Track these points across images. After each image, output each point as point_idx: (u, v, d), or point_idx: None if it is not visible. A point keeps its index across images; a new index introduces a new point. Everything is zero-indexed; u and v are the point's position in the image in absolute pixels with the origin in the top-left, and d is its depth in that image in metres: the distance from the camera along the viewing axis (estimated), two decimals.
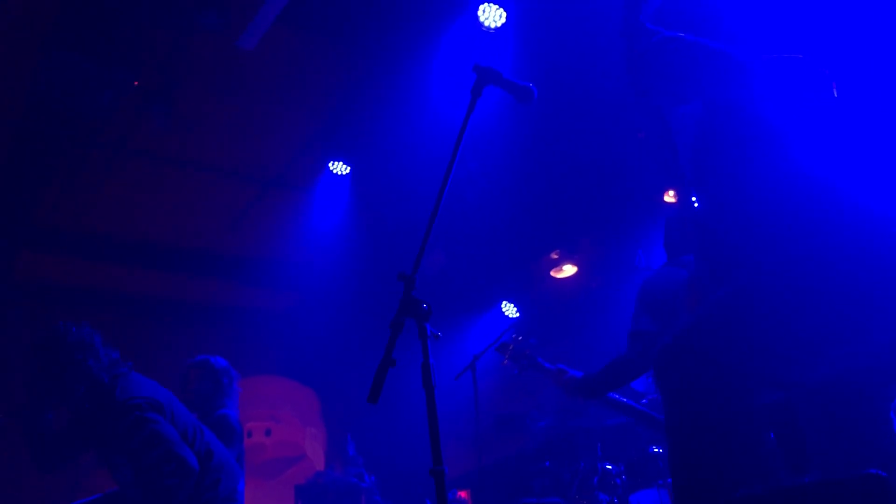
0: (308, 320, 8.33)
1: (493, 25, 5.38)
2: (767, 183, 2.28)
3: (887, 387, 2.31)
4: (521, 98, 2.52)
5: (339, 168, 6.90)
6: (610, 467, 5.62)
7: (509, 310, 8.16)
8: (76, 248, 7.80)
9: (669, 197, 7.03)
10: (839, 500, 1.29)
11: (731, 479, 2.05)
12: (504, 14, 5.35)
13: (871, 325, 2.17)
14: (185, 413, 3.89)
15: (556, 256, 8.33)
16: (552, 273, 8.40)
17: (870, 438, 2.26)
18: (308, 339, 8.38)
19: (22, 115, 6.10)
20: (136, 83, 5.61)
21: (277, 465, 8.68)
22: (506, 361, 4.01)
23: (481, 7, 5.32)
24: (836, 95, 2.45)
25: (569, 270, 8.35)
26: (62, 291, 8.24)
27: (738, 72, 2.39)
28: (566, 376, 3.78)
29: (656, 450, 5.36)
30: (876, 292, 2.14)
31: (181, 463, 3.55)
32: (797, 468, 2.44)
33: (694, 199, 3.31)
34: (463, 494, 7.16)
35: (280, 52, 5.85)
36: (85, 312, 8.30)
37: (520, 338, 4.06)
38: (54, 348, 3.63)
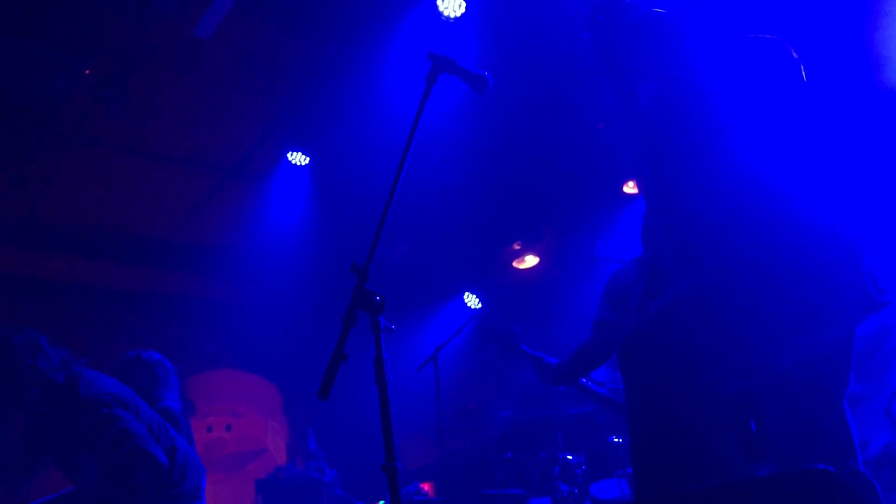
0: (269, 313, 8.24)
1: (452, 15, 5.34)
2: (723, 175, 2.28)
3: (842, 378, 2.34)
4: (476, 87, 2.50)
5: (298, 158, 6.83)
6: (570, 457, 5.65)
7: (472, 301, 8.16)
8: (26, 237, 7.62)
9: (629, 188, 7.07)
10: (790, 494, 1.29)
11: (691, 468, 2.06)
12: (463, 3, 5.31)
13: (831, 316, 2.20)
14: (148, 409, 3.82)
15: (517, 247, 8.34)
16: (514, 264, 8.42)
17: (825, 428, 2.30)
18: (269, 332, 8.29)
19: None
20: (87, 71, 5.48)
21: (238, 459, 8.60)
22: (490, 346, 4.13)
23: None
24: (804, 79, 2.45)
25: (531, 261, 8.38)
26: (10, 281, 8.05)
27: (690, 48, 2.39)
28: (543, 363, 3.91)
29: (616, 440, 5.40)
30: (835, 280, 2.17)
31: (151, 459, 3.49)
32: (754, 457, 2.47)
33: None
34: (426, 486, 7.15)
35: (237, 41, 5.75)
36: (34, 303, 8.19)
37: (502, 322, 4.21)
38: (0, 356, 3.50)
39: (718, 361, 2.21)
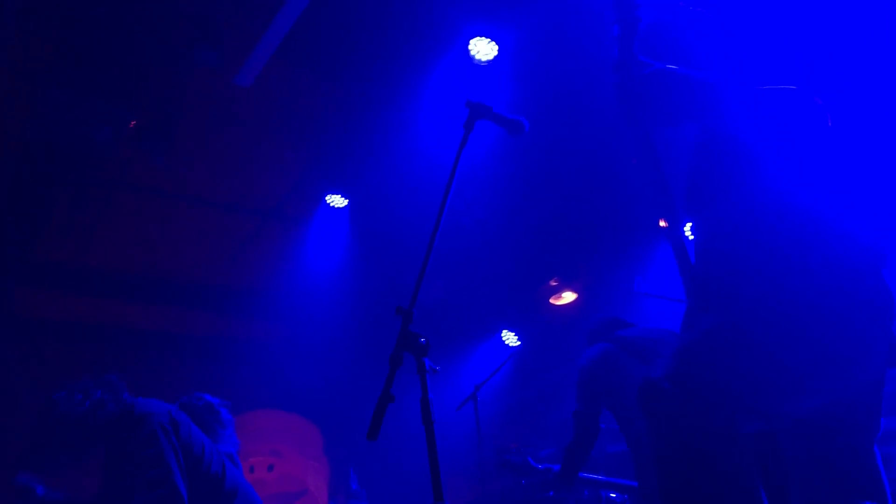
0: (309, 354, 8.32)
1: (484, 59, 5.44)
2: (752, 213, 2.30)
3: (870, 422, 2.31)
4: (512, 131, 2.56)
5: (337, 201, 6.94)
6: (614, 496, 5.58)
7: (510, 338, 8.16)
8: (74, 283, 7.81)
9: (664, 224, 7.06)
10: None
11: None
12: (496, 47, 5.41)
13: (856, 359, 2.18)
14: (198, 432, 3.89)
15: (555, 283, 8.34)
16: (551, 300, 8.41)
17: (852, 472, 2.26)
18: (309, 373, 8.36)
19: (19, 153, 6.13)
20: (132, 123, 5.66)
21: (281, 500, 8.61)
22: (512, 477, 4.52)
23: (472, 41, 5.39)
24: (830, 125, 2.47)
25: (568, 297, 8.36)
26: (60, 327, 8.24)
27: (720, 102, 2.42)
28: (549, 475, 4.36)
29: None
30: (861, 327, 2.15)
31: (173, 491, 3.52)
32: (778, 500, 2.44)
33: (689, 226, 3.35)
34: None
35: (276, 88, 5.90)
36: (80, 347, 8.34)
37: (515, 449, 4.60)
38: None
39: (741, 402, 2.20)
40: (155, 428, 3.56)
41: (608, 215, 7.26)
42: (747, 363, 2.16)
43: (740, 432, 2.15)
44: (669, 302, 6.10)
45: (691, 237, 2.58)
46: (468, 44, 5.41)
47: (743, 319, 2.20)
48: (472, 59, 5.44)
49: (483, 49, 5.41)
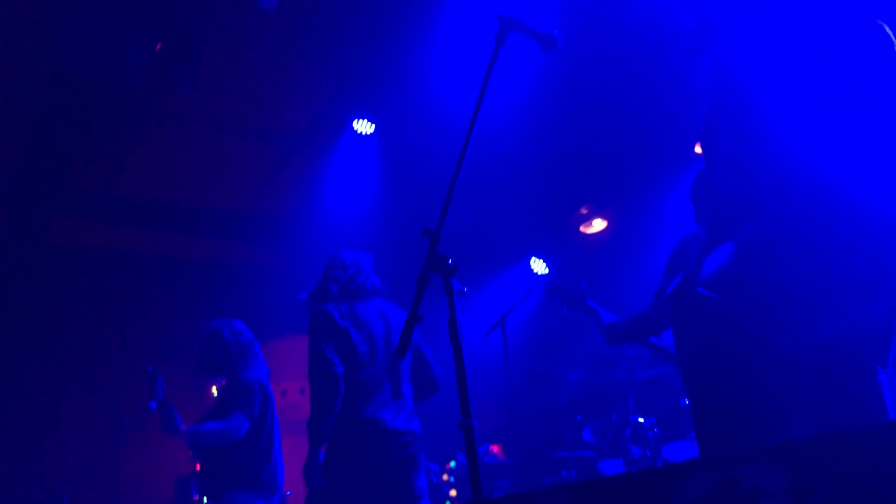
0: None
1: None
2: (795, 139, 2.26)
3: (882, 352, 2.33)
4: (544, 46, 2.48)
5: (364, 126, 6.87)
6: (642, 420, 5.62)
7: (538, 266, 8.12)
8: (101, 211, 7.88)
9: (700, 148, 6.91)
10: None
11: (749, 423, 2.06)
12: None
13: (881, 288, 2.18)
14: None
15: (585, 211, 8.25)
16: (582, 228, 8.34)
17: (858, 399, 2.29)
18: None
19: (47, 82, 6.12)
20: (157, 46, 5.60)
21: None
22: (556, 302, 4.22)
23: None
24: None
25: (598, 225, 8.28)
26: (86, 255, 8.36)
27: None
28: (599, 319, 3.98)
29: (688, 402, 5.34)
30: (885, 258, 2.15)
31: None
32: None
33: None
34: (495, 448, 7.21)
35: (301, 10, 5.78)
36: (110, 276, 8.47)
37: (570, 279, 4.30)
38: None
39: (769, 319, 2.20)
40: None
41: (639, 143, 7.12)
42: (779, 279, 2.16)
43: (770, 349, 2.15)
44: None
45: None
46: None
47: (774, 238, 2.19)
48: None
49: None
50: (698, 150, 7.00)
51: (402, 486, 3.73)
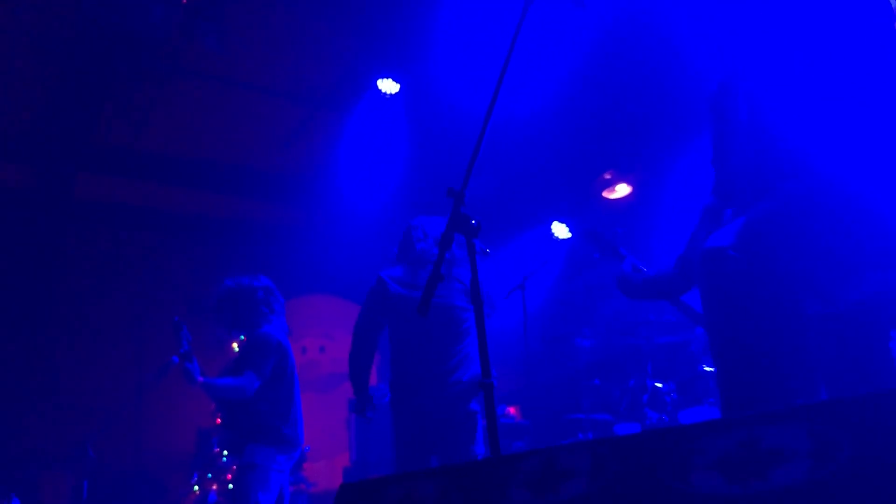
0: (361, 240, 8.40)
1: None
2: (820, 109, 2.25)
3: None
4: (575, 2, 2.44)
5: (389, 86, 6.83)
6: (660, 385, 5.63)
7: (560, 230, 8.09)
8: (130, 168, 7.94)
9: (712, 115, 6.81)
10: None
11: (774, 386, 2.07)
12: None
13: None
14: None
15: (608, 176, 8.19)
16: (605, 193, 8.28)
17: (870, 365, 2.29)
18: (360, 258, 8.46)
19: (73, 37, 6.13)
20: (183, 1, 5.59)
21: (332, 380, 8.93)
22: (590, 247, 4.17)
23: None
24: None
25: (622, 190, 8.22)
26: (110, 209, 8.43)
27: None
28: (633, 271, 3.87)
29: (707, 368, 5.34)
30: None
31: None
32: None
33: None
34: (512, 410, 7.27)
35: None
36: (133, 231, 8.56)
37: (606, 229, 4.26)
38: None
39: (799, 281, 2.22)
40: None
41: (664, 107, 7.03)
42: (806, 245, 2.16)
43: (799, 311, 2.16)
44: None
45: None
46: None
47: (804, 204, 2.22)
48: None
49: None
50: None
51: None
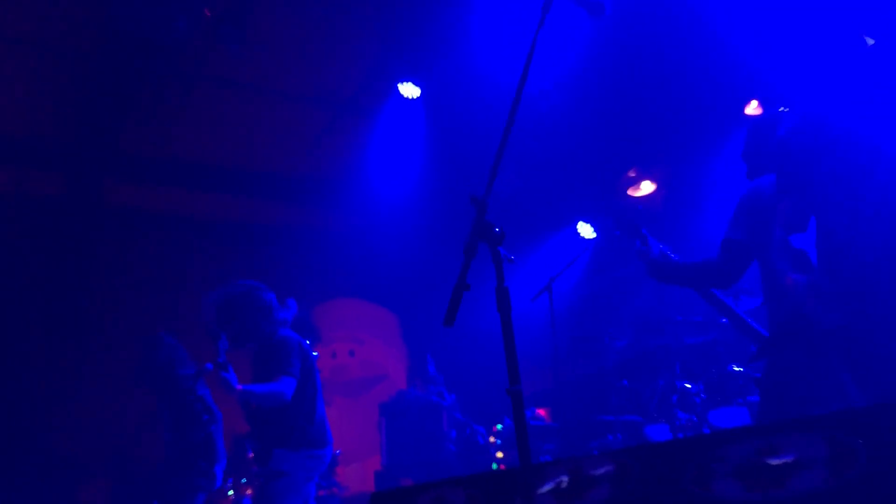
0: (387, 244, 8.45)
1: None
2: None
3: None
4: (592, 11, 2.45)
5: (410, 90, 6.87)
6: (689, 385, 5.61)
7: (586, 230, 8.08)
8: (157, 174, 8.04)
9: (752, 108, 6.76)
10: None
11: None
12: None
13: None
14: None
15: (633, 174, 8.16)
16: (629, 192, 8.25)
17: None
18: (388, 263, 8.51)
19: (99, 46, 6.24)
20: (207, 12, 5.67)
21: (362, 383, 8.98)
22: (613, 226, 4.05)
23: None
24: None
25: (647, 188, 8.18)
26: (136, 215, 8.53)
27: None
28: (652, 248, 3.74)
29: (736, 368, 5.31)
30: None
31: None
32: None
33: (783, 109, 3.20)
34: (541, 412, 7.28)
35: None
36: (158, 236, 8.65)
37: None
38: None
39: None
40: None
41: (687, 104, 7.00)
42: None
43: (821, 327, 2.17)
44: None
45: None
46: None
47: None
48: None
49: None
50: (748, 111, 6.87)
51: None
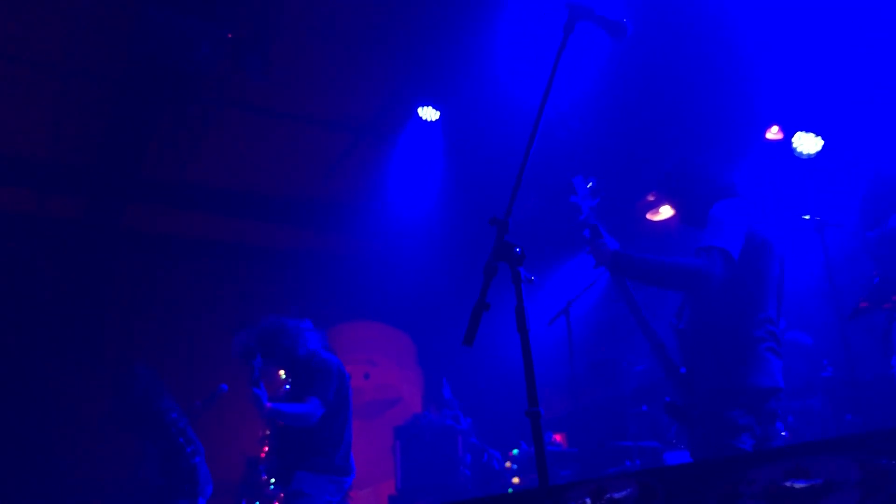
0: (402, 267, 8.45)
1: None
2: None
3: None
4: (614, 33, 2.46)
5: (429, 113, 6.90)
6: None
7: None
8: (178, 199, 8.10)
9: (773, 133, 6.74)
10: None
11: None
12: None
13: None
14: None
15: (651, 198, 8.13)
16: (648, 216, 8.21)
17: None
18: (403, 286, 8.51)
19: (123, 72, 6.32)
20: (229, 35, 5.73)
21: (376, 406, 8.93)
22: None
23: None
24: None
25: (666, 212, 8.14)
26: (156, 240, 8.60)
27: None
28: (599, 240, 3.49)
29: None
30: None
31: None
32: None
33: None
34: (558, 437, 7.21)
35: None
36: (187, 261, 8.70)
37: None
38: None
39: None
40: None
41: (709, 127, 6.98)
42: None
43: None
44: None
45: None
46: None
47: None
48: None
49: None
50: (768, 135, 6.84)
51: None
